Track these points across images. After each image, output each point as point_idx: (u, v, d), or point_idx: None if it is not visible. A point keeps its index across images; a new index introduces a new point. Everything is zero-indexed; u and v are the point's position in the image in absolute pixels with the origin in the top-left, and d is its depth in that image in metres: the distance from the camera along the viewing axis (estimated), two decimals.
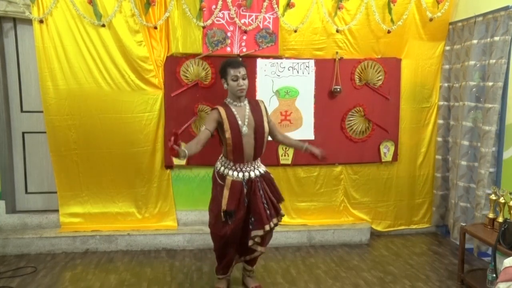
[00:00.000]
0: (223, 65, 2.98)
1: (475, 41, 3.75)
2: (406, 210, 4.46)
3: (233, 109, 2.96)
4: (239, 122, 2.93)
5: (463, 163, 3.89)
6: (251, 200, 2.98)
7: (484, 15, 3.68)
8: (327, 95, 4.17)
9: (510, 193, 3.18)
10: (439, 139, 4.37)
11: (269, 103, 4.06)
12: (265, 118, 3.04)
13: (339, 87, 4.11)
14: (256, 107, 3.04)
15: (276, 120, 4.09)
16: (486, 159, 3.56)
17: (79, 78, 3.82)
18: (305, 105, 4.14)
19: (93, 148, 3.93)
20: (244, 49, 3.95)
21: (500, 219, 3.17)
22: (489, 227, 3.29)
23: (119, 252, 3.93)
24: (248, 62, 3.92)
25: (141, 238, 4.00)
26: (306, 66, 4.09)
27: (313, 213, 4.32)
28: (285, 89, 4.10)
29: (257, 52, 3.96)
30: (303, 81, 4.11)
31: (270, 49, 3.98)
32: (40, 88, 3.81)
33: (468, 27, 3.90)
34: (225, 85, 2.98)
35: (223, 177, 2.98)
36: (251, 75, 4.00)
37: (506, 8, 3.43)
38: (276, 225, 3.08)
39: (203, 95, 3.98)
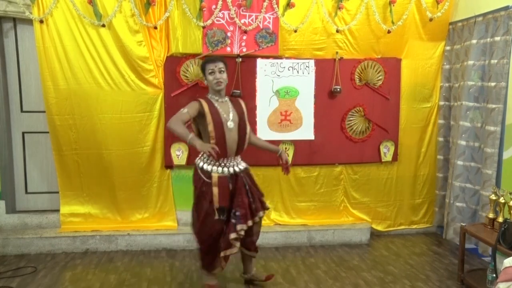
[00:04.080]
0: (202, 63, 3.12)
1: (474, 41, 3.75)
2: (406, 210, 4.46)
3: (216, 104, 3.00)
4: (224, 117, 2.97)
5: (460, 162, 3.88)
6: (235, 195, 2.99)
7: (484, 15, 3.68)
8: (327, 95, 4.17)
9: (510, 193, 3.18)
10: (440, 139, 4.36)
11: (269, 103, 4.07)
12: (245, 116, 3.10)
13: (339, 87, 4.11)
14: (237, 104, 3.11)
15: (276, 120, 4.10)
16: (493, 159, 3.54)
17: (79, 78, 3.81)
18: (305, 105, 4.14)
19: (93, 148, 3.93)
20: (244, 49, 3.94)
21: (500, 219, 3.17)
22: (489, 227, 3.29)
23: (119, 252, 3.93)
24: (248, 62, 3.96)
25: (141, 238, 4.00)
26: (306, 66, 4.09)
27: (313, 213, 4.32)
28: (285, 89, 4.10)
29: (257, 52, 3.96)
30: (303, 81, 4.11)
31: (270, 49, 3.98)
32: (42, 87, 3.81)
33: (468, 27, 3.90)
34: (205, 82, 3.07)
35: (208, 174, 2.97)
36: (251, 75, 4.01)
37: (506, 8, 3.42)
38: (261, 218, 3.14)
39: (203, 95, 3.96)
